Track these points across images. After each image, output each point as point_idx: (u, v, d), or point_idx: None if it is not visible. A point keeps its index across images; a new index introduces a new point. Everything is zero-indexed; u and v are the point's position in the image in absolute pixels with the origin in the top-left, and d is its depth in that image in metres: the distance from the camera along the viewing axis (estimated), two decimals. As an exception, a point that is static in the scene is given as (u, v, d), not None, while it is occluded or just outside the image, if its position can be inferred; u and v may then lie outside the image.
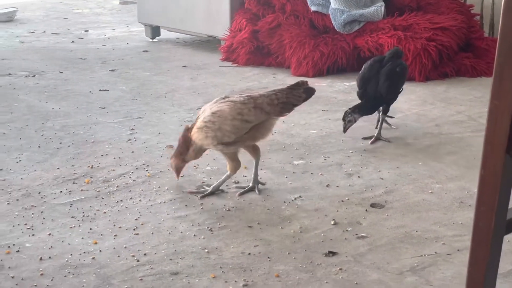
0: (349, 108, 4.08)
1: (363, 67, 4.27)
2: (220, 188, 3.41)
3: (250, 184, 3.43)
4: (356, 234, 2.96)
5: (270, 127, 3.37)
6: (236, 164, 3.38)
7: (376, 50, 5.92)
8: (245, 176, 3.59)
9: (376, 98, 4.13)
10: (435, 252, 2.79)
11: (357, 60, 5.98)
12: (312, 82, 5.77)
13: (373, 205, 3.27)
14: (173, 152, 3.45)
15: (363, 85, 4.18)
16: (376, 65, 4.21)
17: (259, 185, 3.45)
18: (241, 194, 3.38)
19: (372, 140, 4.19)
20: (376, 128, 4.28)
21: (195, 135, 3.29)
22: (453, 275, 2.61)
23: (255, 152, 3.42)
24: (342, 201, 3.32)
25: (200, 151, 3.38)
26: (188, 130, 3.34)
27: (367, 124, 4.36)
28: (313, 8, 6.40)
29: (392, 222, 3.09)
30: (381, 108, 4.25)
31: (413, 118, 4.74)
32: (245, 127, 3.24)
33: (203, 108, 3.37)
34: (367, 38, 6.06)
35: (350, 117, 4.04)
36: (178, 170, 3.47)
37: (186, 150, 3.36)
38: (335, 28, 6.25)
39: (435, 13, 6.31)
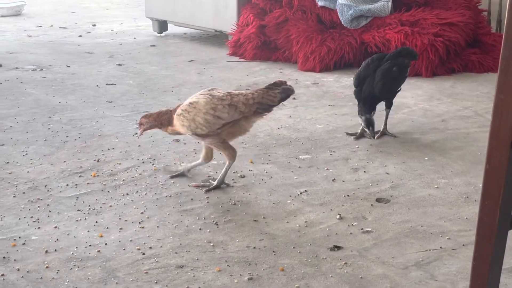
0: (359, 113, 4.06)
1: (361, 65, 4.25)
2: (226, 182, 3.42)
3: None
4: (362, 229, 2.96)
5: (247, 127, 3.35)
6: (230, 151, 3.38)
7: (383, 46, 5.91)
8: (251, 170, 3.60)
9: (372, 97, 4.10)
10: (440, 247, 2.79)
11: (364, 55, 5.96)
12: (319, 77, 5.81)
13: (378, 200, 3.27)
14: (153, 114, 3.41)
15: (358, 84, 4.15)
16: (374, 63, 4.16)
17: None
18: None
19: (378, 135, 4.18)
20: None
21: (175, 120, 3.33)
22: (458, 270, 2.61)
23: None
24: (348, 195, 3.32)
25: (174, 133, 3.42)
26: (173, 111, 3.36)
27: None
28: (320, 3, 6.39)
29: (398, 217, 3.09)
30: (385, 103, 4.24)
31: (419, 113, 4.73)
32: (217, 122, 3.24)
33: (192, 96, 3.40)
34: (374, 33, 6.05)
35: (370, 121, 4.02)
36: (145, 130, 3.44)
37: (166, 125, 3.37)
38: (342, 23, 6.25)
39: (443, 9, 6.30)
